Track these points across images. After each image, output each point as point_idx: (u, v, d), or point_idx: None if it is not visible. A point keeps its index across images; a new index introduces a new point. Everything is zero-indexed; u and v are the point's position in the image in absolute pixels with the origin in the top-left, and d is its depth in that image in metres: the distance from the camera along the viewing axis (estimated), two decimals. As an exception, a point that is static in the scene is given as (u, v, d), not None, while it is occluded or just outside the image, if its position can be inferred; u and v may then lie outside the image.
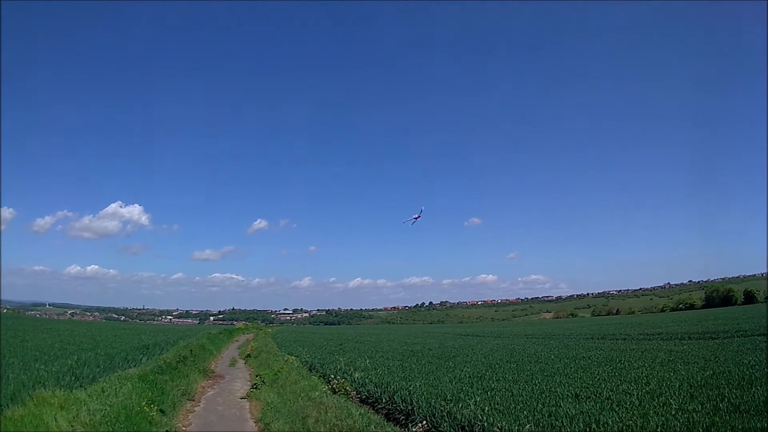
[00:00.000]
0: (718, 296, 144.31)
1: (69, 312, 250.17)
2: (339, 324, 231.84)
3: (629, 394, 12.16)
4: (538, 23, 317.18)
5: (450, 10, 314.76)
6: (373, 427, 11.04)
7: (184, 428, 13.83)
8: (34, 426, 9.46)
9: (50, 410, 10.34)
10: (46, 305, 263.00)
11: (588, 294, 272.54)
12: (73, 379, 14.61)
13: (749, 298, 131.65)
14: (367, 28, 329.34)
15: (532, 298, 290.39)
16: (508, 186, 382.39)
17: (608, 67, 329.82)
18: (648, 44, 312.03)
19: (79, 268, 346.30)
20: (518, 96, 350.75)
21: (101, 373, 16.36)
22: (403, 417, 12.66)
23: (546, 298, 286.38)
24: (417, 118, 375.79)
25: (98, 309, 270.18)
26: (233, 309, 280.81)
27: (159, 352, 26.07)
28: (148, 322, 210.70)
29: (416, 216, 46.44)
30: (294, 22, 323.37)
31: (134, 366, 19.29)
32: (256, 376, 21.77)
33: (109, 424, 10.88)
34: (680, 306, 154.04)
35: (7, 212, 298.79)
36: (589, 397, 12.18)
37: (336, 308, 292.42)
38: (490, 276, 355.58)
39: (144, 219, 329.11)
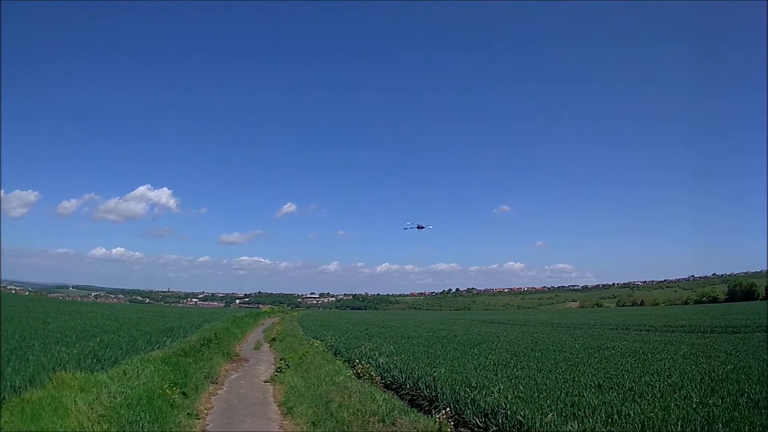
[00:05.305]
0: (741, 290, 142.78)
1: (93, 294, 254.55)
2: (365, 309, 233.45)
3: (651, 385, 12.17)
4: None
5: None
6: (396, 412, 11.08)
7: (206, 411, 13.87)
8: (53, 408, 9.36)
9: (70, 392, 10.28)
10: (69, 287, 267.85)
11: (613, 284, 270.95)
12: (95, 361, 14.43)
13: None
14: (401, 13, 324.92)
15: (558, 287, 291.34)
16: (538, 174, 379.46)
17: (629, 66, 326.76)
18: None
19: (104, 250, 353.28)
20: (548, 91, 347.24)
21: (123, 355, 16.29)
22: (426, 403, 12.74)
23: (572, 287, 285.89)
24: (447, 106, 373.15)
25: (123, 291, 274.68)
26: (259, 292, 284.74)
27: (183, 334, 26.11)
28: (173, 304, 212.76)
29: (420, 226, 46.08)
30: (324, 4, 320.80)
31: (158, 348, 19.33)
32: (281, 360, 21.98)
33: (129, 406, 10.92)
34: (703, 299, 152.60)
35: (32, 195, 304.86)
36: (612, 387, 12.22)
37: (363, 293, 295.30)
38: (517, 264, 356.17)
39: (172, 202, 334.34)
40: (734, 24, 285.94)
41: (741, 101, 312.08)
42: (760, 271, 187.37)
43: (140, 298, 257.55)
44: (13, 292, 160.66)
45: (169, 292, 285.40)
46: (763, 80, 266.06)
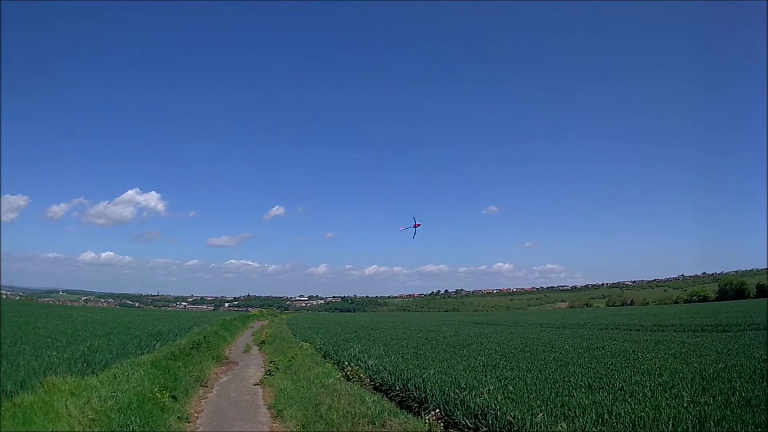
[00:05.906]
0: (732, 289, 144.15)
1: (83, 299, 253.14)
2: (354, 311, 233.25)
3: (642, 385, 12.13)
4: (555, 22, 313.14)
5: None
6: (386, 414, 11.06)
7: (196, 414, 13.87)
8: (45, 413, 9.39)
9: (61, 397, 10.32)
10: (59, 292, 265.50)
11: (603, 284, 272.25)
12: (85, 365, 14.42)
13: (762, 291, 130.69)
14: (392, 12, 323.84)
15: (548, 288, 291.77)
16: (527, 175, 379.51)
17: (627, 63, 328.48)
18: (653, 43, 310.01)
19: (93, 254, 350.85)
20: (539, 89, 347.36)
21: (114, 359, 16.21)
22: (416, 405, 12.66)
23: (561, 288, 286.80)
24: (437, 107, 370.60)
25: (112, 295, 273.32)
26: (248, 296, 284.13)
27: (173, 338, 25.93)
28: (162, 308, 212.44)
29: (416, 225, 45.80)
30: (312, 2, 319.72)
31: (147, 352, 19.22)
32: (270, 363, 21.89)
33: (120, 410, 10.92)
34: (694, 298, 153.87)
35: (21, 200, 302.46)
36: (602, 387, 12.16)
37: (352, 295, 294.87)
38: (506, 264, 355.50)
39: (160, 206, 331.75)
40: (736, 19, 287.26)
41: (741, 98, 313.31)
42: (751, 270, 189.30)
43: (130, 302, 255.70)
44: (4, 297, 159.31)
45: (158, 296, 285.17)
46: (764, 77, 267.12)
